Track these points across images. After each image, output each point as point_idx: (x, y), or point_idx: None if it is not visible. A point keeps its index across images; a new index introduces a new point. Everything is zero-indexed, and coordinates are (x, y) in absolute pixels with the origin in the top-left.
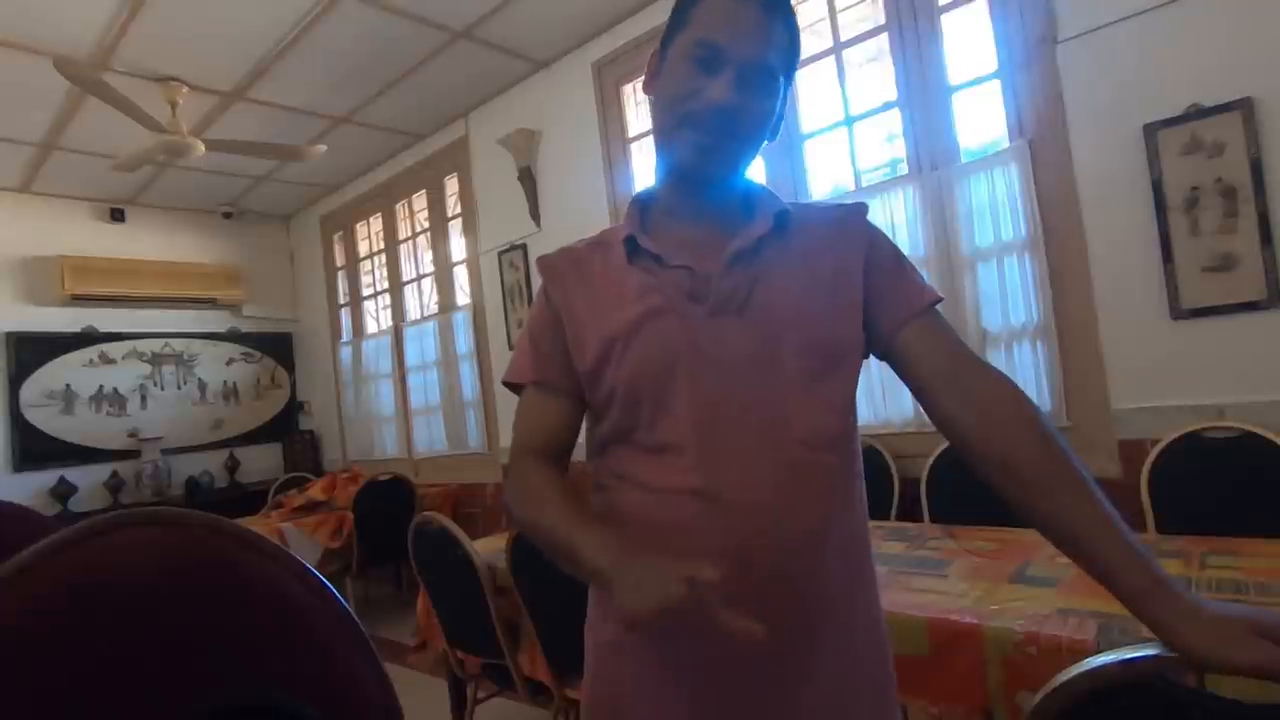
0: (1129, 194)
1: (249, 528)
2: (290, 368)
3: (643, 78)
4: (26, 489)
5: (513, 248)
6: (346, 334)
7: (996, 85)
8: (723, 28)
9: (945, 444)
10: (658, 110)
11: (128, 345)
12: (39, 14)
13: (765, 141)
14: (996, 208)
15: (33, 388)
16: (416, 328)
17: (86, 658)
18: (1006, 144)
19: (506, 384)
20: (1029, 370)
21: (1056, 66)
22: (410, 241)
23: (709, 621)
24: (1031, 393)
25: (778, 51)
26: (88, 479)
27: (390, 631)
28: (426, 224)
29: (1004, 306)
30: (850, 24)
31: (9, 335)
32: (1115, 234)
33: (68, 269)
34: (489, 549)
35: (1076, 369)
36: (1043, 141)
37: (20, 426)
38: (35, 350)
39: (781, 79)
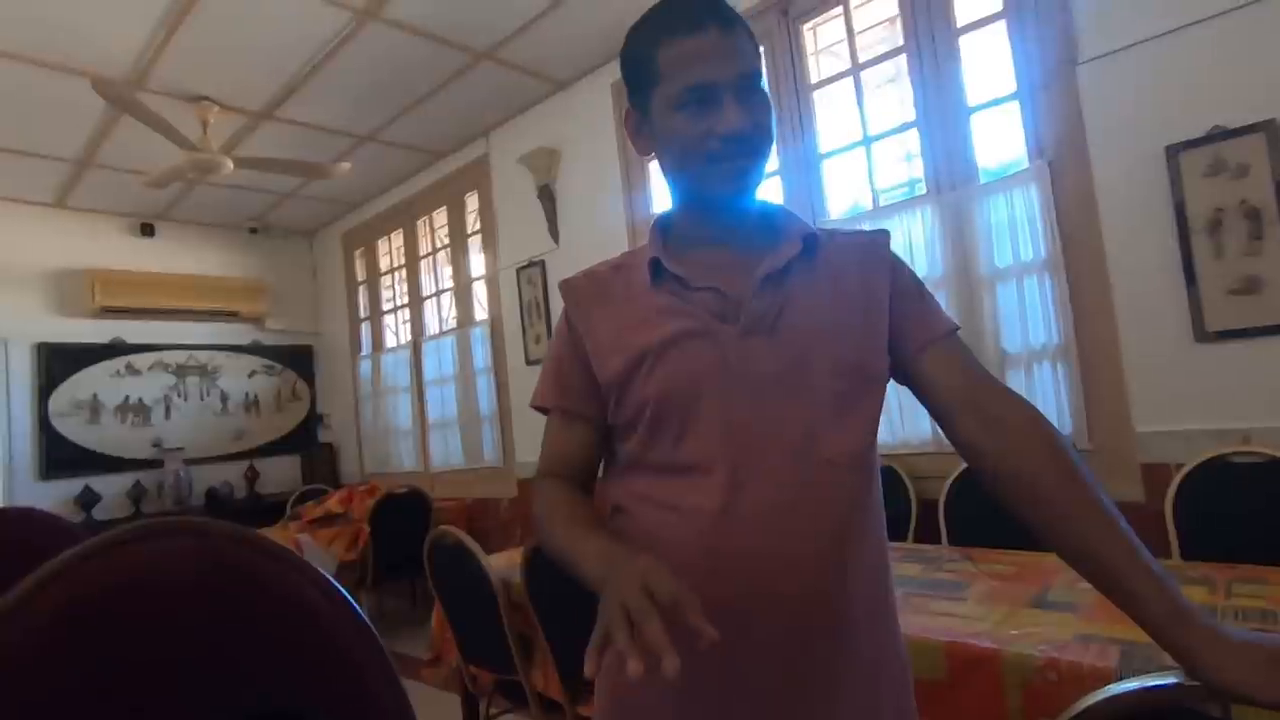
0: (1151, 215)
1: (271, 538)
2: (310, 381)
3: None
4: (52, 497)
5: (531, 264)
6: (366, 348)
7: (1015, 106)
8: (698, 65)
9: (964, 465)
10: (670, 163)
11: (153, 356)
12: (79, 35)
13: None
14: (1016, 228)
15: (61, 397)
16: (435, 342)
17: (111, 661)
18: (1026, 164)
19: (534, 408)
20: (1049, 392)
21: (1077, 87)
22: (430, 257)
23: (676, 623)
24: (1052, 414)
25: (751, 58)
26: (111, 488)
27: (404, 646)
28: (447, 240)
29: (1024, 327)
30: (869, 45)
31: (40, 346)
32: (1137, 255)
33: (98, 282)
34: (504, 564)
35: (1098, 391)
36: (1062, 162)
37: (48, 435)
38: (64, 361)
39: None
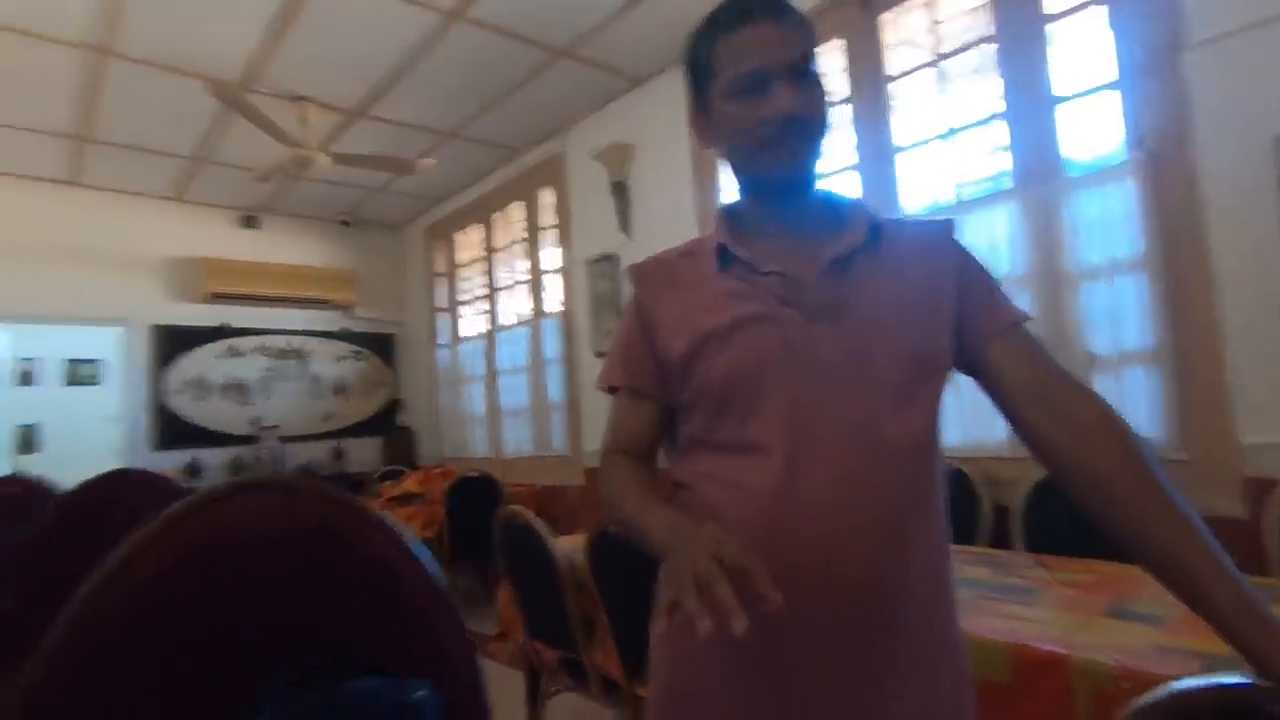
0: (1262, 209)
1: (353, 496)
2: (393, 367)
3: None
4: (164, 466)
5: (603, 258)
6: (444, 337)
7: (1109, 96)
8: (750, 54)
9: (1044, 473)
10: (732, 150)
11: (255, 340)
12: (196, 42)
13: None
14: (1109, 224)
15: (174, 376)
16: (508, 333)
17: (206, 612)
18: (1122, 157)
19: (602, 388)
20: (1140, 397)
21: (1182, 75)
22: (506, 250)
23: (740, 585)
24: (1143, 422)
25: (804, 45)
26: (214, 460)
27: (474, 623)
28: (523, 234)
29: (1114, 328)
30: (954, 35)
31: (157, 328)
32: (1245, 253)
33: (209, 270)
34: (570, 546)
35: (1196, 398)
36: (1164, 154)
37: (161, 411)
38: (176, 342)
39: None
